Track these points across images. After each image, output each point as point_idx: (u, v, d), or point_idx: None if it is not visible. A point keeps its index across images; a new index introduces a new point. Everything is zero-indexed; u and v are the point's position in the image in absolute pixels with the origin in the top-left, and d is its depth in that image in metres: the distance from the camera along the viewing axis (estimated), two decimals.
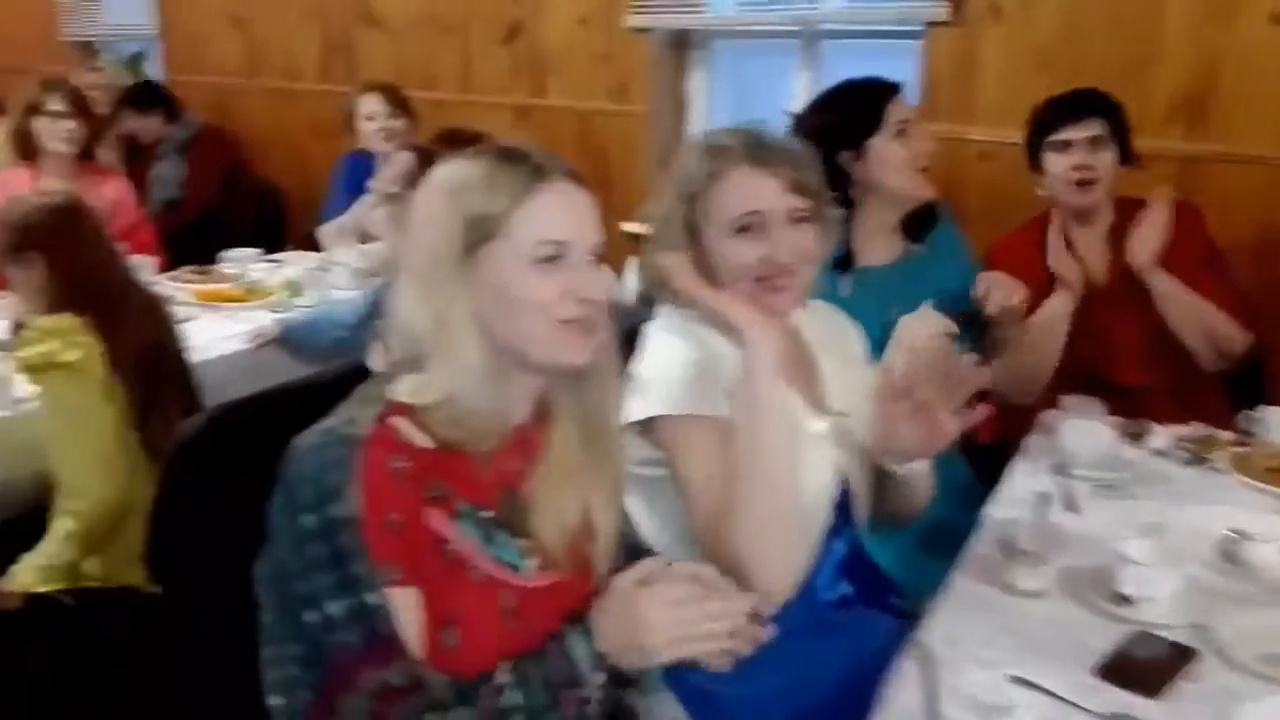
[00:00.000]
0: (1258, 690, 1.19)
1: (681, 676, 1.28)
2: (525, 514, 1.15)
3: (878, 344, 1.70)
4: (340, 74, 4.46)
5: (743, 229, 1.39)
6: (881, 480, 1.50)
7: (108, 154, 3.85)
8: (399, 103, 3.48)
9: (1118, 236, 2.25)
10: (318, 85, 4.58)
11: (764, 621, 1.14)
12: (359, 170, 3.41)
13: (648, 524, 1.42)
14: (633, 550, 1.29)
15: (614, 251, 1.19)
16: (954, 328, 1.43)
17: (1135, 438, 1.95)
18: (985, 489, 1.80)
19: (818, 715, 1.35)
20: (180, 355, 2.16)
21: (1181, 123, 2.77)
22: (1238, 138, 2.70)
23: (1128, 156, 2.25)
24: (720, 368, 1.37)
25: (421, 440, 1.08)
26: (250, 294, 3.03)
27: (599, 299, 1.13)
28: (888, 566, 1.58)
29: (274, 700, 1.13)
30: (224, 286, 3.09)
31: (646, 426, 1.38)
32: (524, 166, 1.12)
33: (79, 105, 3.25)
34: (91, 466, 1.93)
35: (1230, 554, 1.51)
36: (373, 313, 2.40)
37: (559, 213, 1.12)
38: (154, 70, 5.16)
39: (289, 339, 2.68)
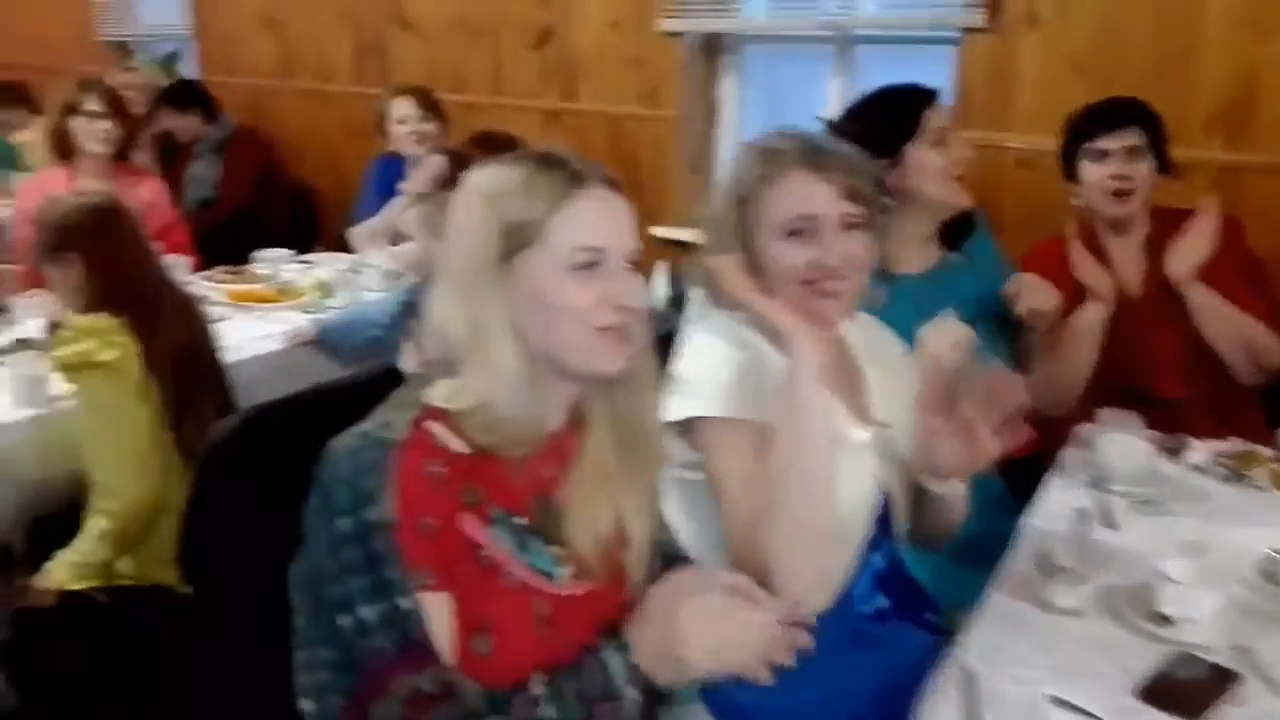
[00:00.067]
0: None
1: (715, 688, 1.27)
2: (559, 521, 1.14)
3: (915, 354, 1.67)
4: (373, 76, 4.49)
5: (794, 232, 1.38)
6: (918, 498, 1.49)
7: (142, 155, 3.88)
8: (431, 106, 3.49)
9: (1154, 247, 2.23)
10: (350, 87, 4.61)
11: (805, 627, 1.12)
12: (390, 173, 3.42)
13: (686, 529, 1.42)
14: (668, 558, 1.29)
15: (644, 256, 1.18)
16: (974, 336, 1.41)
17: (1173, 453, 1.93)
18: (1019, 501, 1.78)
19: None
20: (214, 355, 2.18)
21: (1220, 133, 2.74)
22: (1279, 148, 2.67)
23: (1165, 166, 2.22)
24: (763, 373, 1.36)
25: (457, 445, 1.08)
26: (282, 295, 3.04)
27: (636, 306, 1.12)
28: (922, 579, 1.56)
29: (305, 704, 1.13)
30: (256, 287, 3.11)
31: (686, 428, 1.38)
32: (561, 172, 1.11)
33: (115, 106, 3.27)
34: (126, 466, 1.95)
35: (1272, 574, 1.49)
36: (405, 313, 2.42)
37: (596, 219, 1.12)
38: (188, 71, 5.20)
39: (324, 339, 2.71)
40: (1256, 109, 2.69)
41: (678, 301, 3.06)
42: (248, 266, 3.30)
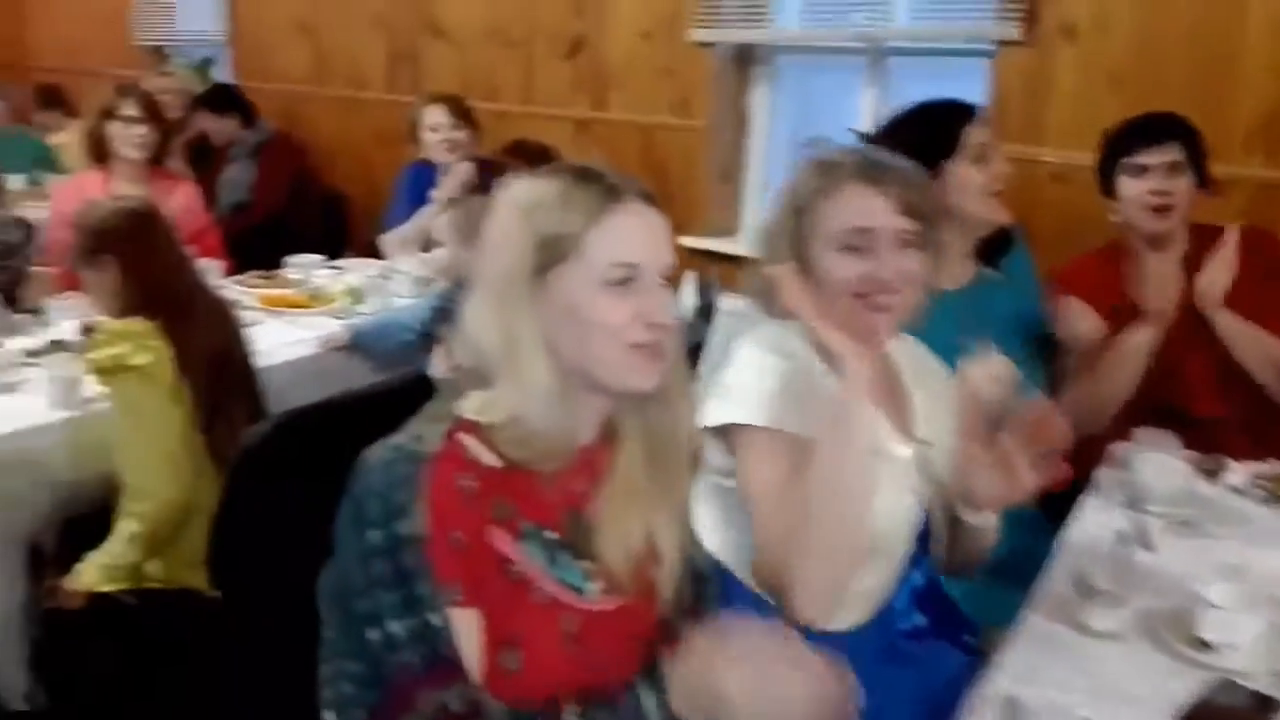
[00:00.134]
0: None
1: None
2: (589, 535, 1.13)
3: (952, 372, 1.66)
4: (405, 84, 4.51)
5: (849, 245, 1.38)
6: (950, 526, 1.48)
7: (174, 160, 3.92)
8: (463, 114, 3.51)
9: (1192, 265, 2.19)
10: (383, 94, 4.64)
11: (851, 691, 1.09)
12: (422, 180, 3.44)
13: (723, 538, 1.41)
14: (696, 575, 1.27)
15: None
16: (1015, 370, 1.40)
17: (1211, 474, 1.90)
18: (1053, 521, 1.76)
19: None
20: (246, 360, 2.19)
21: (1261, 149, 2.70)
22: None
23: (1205, 182, 2.19)
24: (809, 386, 1.36)
25: (489, 458, 1.07)
26: (313, 300, 3.06)
27: (669, 323, 1.11)
28: (955, 597, 1.55)
29: (328, 717, 1.13)
30: (288, 292, 3.12)
31: (725, 433, 1.38)
32: (598, 187, 1.11)
33: (152, 111, 3.30)
34: (157, 469, 1.96)
35: None
36: (436, 319, 2.43)
37: (632, 234, 1.11)
38: (222, 76, 5.25)
39: (357, 342, 2.72)
40: None
41: (706, 311, 3.05)
42: (279, 271, 3.32)
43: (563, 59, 4.05)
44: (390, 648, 1.03)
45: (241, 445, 1.54)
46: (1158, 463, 1.78)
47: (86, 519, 2.05)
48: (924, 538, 1.47)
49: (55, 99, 5.47)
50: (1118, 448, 1.96)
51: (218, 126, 4.41)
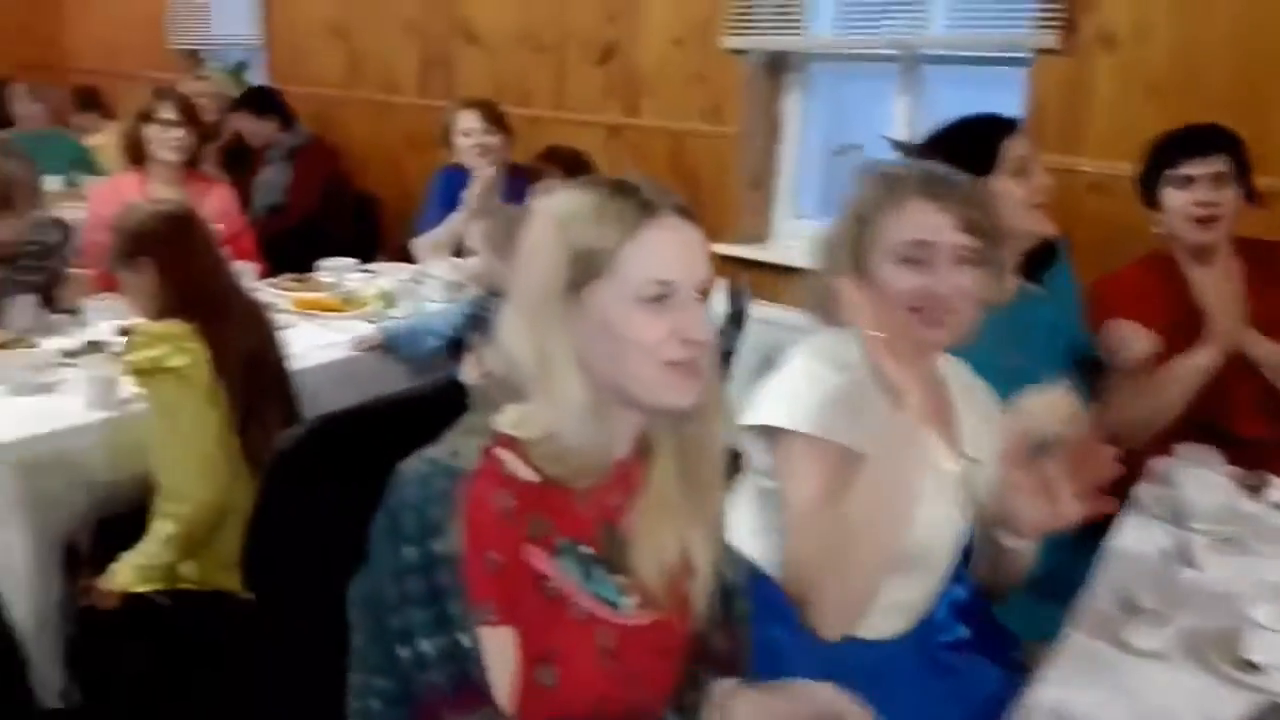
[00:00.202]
0: None
1: None
2: (624, 550, 1.12)
3: (994, 387, 1.65)
4: (438, 88, 4.53)
5: (908, 259, 1.39)
6: (987, 547, 1.46)
7: (209, 164, 3.95)
8: (495, 119, 3.51)
9: (1250, 283, 2.16)
10: (416, 99, 4.66)
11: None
12: (454, 184, 3.44)
13: (762, 543, 1.41)
14: (728, 590, 1.26)
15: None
16: (1078, 405, 1.39)
17: (1254, 490, 1.86)
18: (1093, 536, 1.73)
19: None
20: (281, 362, 2.20)
21: None
22: None
23: (1250, 194, 2.16)
24: (859, 398, 1.34)
25: (525, 473, 1.06)
26: (346, 304, 3.07)
27: (705, 340, 1.10)
28: (996, 611, 1.53)
29: None
30: (321, 295, 3.14)
31: (768, 434, 1.38)
32: (633, 200, 1.09)
33: (189, 114, 3.33)
34: (193, 470, 1.97)
35: None
36: (468, 325, 2.43)
37: (668, 250, 1.09)
38: (256, 80, 5.29)
39: (391, 345, 2.73)
40: None
41: (737, 319, 3.04)
42: (312, 275, 3.34)
43: (595, 65, 4.05)
44: (420, 666, 1.02)
45: (276, 449, 1.54)
46: (1200, 478, 1.75)
47: (122, 519, 2.07)
48: (968, 552, 1.46)
49: (92, 101, 5.53)
50: (1158, 463, 1.93)
51: (257, 129, 4.44)
